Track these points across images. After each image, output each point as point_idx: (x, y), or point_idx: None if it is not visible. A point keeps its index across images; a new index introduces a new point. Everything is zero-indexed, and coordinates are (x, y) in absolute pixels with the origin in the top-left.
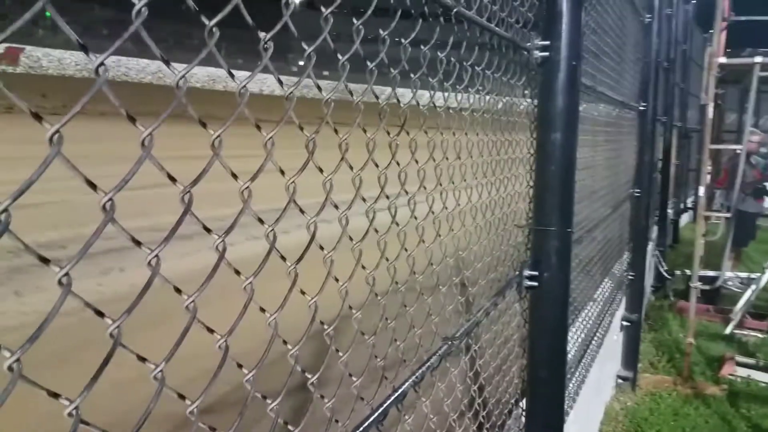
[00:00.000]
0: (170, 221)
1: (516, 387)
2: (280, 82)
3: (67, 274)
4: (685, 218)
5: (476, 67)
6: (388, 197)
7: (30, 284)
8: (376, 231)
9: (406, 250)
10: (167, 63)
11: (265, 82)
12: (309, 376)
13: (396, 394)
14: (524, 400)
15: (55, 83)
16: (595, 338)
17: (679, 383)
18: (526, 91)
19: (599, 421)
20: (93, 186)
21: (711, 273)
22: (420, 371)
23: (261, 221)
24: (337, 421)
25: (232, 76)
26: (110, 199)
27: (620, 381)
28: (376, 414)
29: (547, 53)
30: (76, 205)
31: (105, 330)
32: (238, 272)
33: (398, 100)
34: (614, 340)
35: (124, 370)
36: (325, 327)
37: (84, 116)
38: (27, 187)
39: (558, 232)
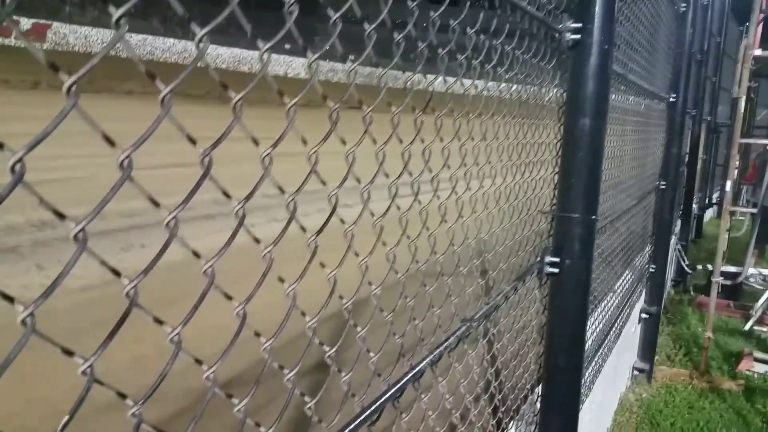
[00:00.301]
0: (192, 200)
1: (532, 373)
2: (305, 49)
3: (83, 230)
4: (709, 213)
5: (506, 47)
6: (411, 174)
7: (52, 258)
8: (398, 208)
9: (427, 229)
10: (189, 22)
11: (291, 65)
12: (327, 349)
13: (413, 372)
14: (540, 387)
15: (81, 60)
16: (614, 329)
17: (695, 377)
18: (556, 79)
19: (613, 411)
20: (111, 143)
21: (733, 269)
22: (438, 350)
23: (282, 190)
24: (353, 395)
25: (254, 39)
26: (128, 157)
27: (636, 372)
28: (393, 390)
29: (578, 36)
30: (102, 181)
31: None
32: (257, 240)
33: (425, 77)
34: (632, 332)
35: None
36: (344, 301)
37: (111, 95)
38: (42, 138)
39: (582, 219)
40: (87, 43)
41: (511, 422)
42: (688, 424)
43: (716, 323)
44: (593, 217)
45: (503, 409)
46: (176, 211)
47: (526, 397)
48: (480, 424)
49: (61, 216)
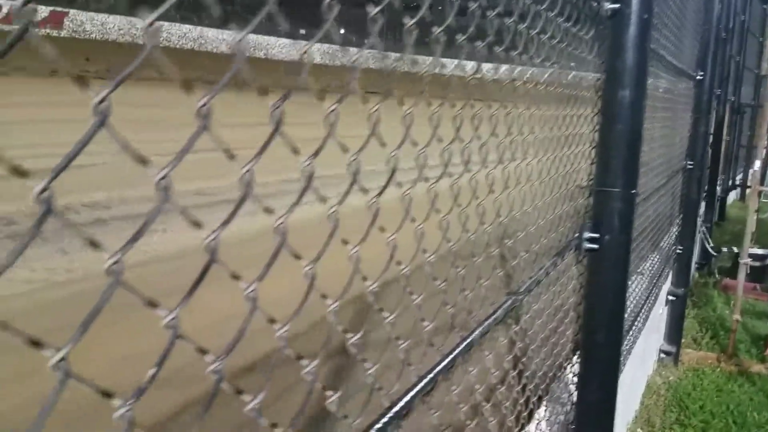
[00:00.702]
0: (214, 186)
1: (569, 351)
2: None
3: (165, 177)
4: (732, 196)
5: (547, 14)
6: (462, 140)
7: (77, 243)
8: (450, 175)
9: (477, 197)
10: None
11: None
12: (386, 315)
13: (465, 343)
14: (577, 364)
15: (98, 47)
16: (643, 310)
17: (723, 360)
18: (594, 51)
19: (641, 393)
20: (189, 88)
21: (760, 251)
22: (486, 323)
23: (345, 149)
24: (410, 364)
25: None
26: (206, 105)
27: (663, 355)
28: (446, 361)
29: (618, 5)
30: (121, 168)
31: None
32: (324, 199)
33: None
34: (659, 314)
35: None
36: (401, 266)
37: (128, 81)
38: (129, 73)
39: (621, 193)
40: (104, 30)
41: (544, 402)
42: (717, 407)
43: (743, 306)
44: (633, 191)
45: (543, 387)
46: (250, 164)
47: (561, 375)
48: (522, 400)
49: (144, 161)
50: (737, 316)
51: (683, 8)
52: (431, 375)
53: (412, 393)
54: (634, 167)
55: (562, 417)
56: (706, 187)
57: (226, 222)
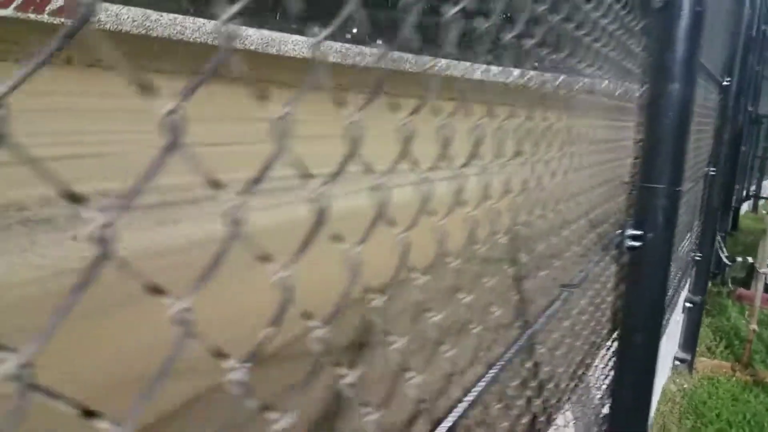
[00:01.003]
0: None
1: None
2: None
3: (284, 116)
4: (744, 207)
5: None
6: (532, 119)
7: (86, 230)
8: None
9: (540, 182)
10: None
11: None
12: (461, 296)
13: (527, 334)
14: (612, 364)
15: (112, 37)
16: (666, 315)
17: (737, 369)
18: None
19: (656, 400)
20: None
21: None
22: (547, 313)
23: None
24: (481, 352)
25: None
26: (319, 43)
27: (677, 362)
28: (511, 352)
29: None
30: (133, 156)
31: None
32: (417, 163)
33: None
34: (676, 321)
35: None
36: (478, 246)
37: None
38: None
39: (667, 190)
40: (118, 21)
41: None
42: (734, 416)
43: (758, 316)
44: (678, 188)
45: (583, 385)
46: (359, 113)
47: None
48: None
49: (265, 96)
50: (754, 326)
51: (718, 11)
52: (501, 363)
53: (482, 384)
54: (680, 163)
55: (592, 418)
56: (722, 196)
57: (337, 174)
